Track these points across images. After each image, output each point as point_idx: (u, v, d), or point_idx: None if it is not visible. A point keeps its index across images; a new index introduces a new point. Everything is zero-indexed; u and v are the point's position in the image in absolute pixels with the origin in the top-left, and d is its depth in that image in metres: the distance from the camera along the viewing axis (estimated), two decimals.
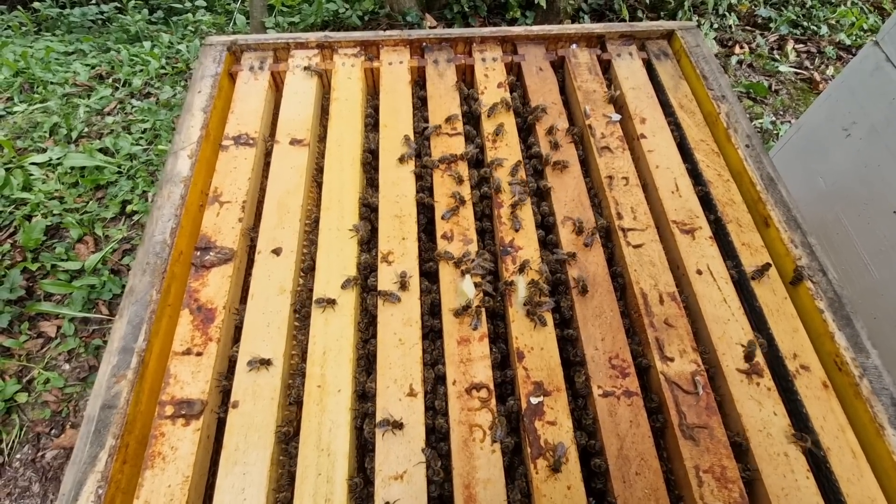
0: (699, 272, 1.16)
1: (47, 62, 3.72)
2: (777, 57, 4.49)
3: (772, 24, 4.80)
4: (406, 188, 1.28)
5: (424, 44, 1.55)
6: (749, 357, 1.02)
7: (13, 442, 2.20)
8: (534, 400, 0.99)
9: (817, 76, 4.12)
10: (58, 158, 2.98)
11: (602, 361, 1.04)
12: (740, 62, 4.38)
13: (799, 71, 4.27)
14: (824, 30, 4.67)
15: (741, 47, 4.51)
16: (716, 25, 4.64)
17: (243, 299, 1.17)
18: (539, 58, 1.55)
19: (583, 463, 0.94)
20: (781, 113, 3.83)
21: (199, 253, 1.15)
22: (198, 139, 1.32)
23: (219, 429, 1.02)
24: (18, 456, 2.28)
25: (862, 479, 0.93)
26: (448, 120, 1.39)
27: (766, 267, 1.14)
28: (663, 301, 1.11)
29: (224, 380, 1.05)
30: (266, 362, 1.01)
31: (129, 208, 2.86)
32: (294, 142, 1.35)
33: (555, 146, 1.34)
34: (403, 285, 1.11)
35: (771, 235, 1.22)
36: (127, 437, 0.94)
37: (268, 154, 1.39)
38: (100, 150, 3.07)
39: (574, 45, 1.57)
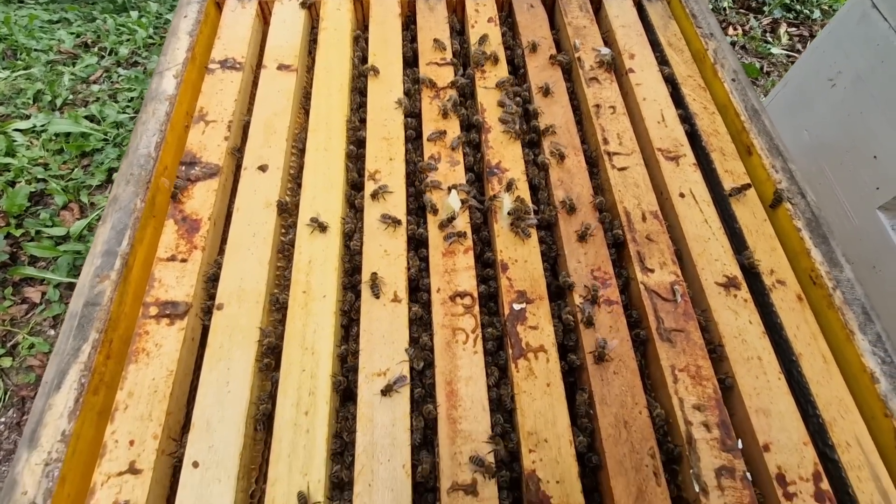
0: (682, 195, 1.18)
1: (31, 29, 3.60)
2: (770, 40, 4.51)
3: (765, 7, 4.82)
4: (393, 113, 1.28)
5: None
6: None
7: None
8: (516, 306, 1.01)
9: None
10: (42, 125, 2.92)
11: (584, 273, 1.06)
12: (733, 44, 4.39)
13: (791, 53, 4.29)
14: (817, 14, 4.70)
15: (734, 29, 4.52)
16: (710, 7, 4.65)
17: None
18: None
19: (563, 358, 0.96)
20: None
21: (184, 168, 1.15)
22: (183, 61, 1.30)
23: (201, 346, 1.01)
24: (3, 419, 2.26)
25: (831, 381, 0.96)
26: (436, 50, 1.39)
27: (746, 186, 1.16)
28: (646, 219, 1.13)
29: (210, 289, 1.05)
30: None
31: (114, 176, 2.84)
32: (282, 67, 1.34)
33: (545, 89, 1.34)
34: (379, 194, 1.12)
35: (753, 163, 1.24)
36: (111, 334, 0.94)
37: (254, 84, 1.38)
38: (85, 118, 3.00)
39: None
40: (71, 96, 3.18)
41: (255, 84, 1.37)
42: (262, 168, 1.16)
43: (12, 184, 2.64)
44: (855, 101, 1.68)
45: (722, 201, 1.19)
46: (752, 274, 1.08)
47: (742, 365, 0.96)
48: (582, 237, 1.08)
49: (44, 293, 2.43)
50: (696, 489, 0.84)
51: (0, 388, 2.21)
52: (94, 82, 3.31)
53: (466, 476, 0.84)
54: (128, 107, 3.19)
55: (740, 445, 0.89)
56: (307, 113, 1.31)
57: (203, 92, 1.28)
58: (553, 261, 1.13)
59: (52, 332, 2.44)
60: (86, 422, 0.86)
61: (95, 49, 3.56)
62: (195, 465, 0.83)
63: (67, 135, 2.89)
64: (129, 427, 0.86)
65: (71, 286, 2.48)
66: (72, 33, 3.64)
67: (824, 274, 1.05)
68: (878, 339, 0.98)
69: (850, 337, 0.98)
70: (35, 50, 3.47)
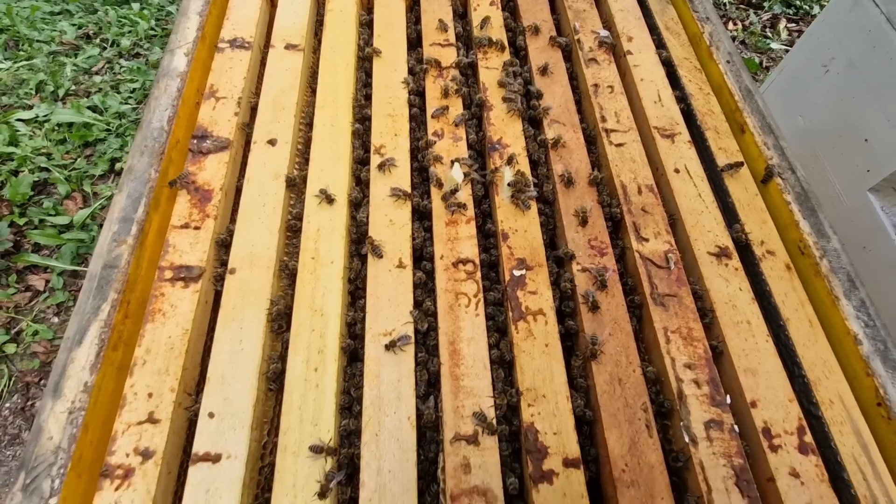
0: (676, 171, 1.22)
1: (32, 20, 3.61)
2: (769, 35, 4.54)
3: (765, 3, 4.85)
4: (398, 91, 1.32)
5: None
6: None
7: (2, 391, 2.22)
8: (517, 273, 1.05)
9: None
10: (44, 115, 2.93)
11: (582, 243, 1.10)
12: (733, 38, 4.43)
13: (790, 49, 4.34)
14: (816, 10, 4.73)
15: (734, 24, 4.56)
16: (711, 2, 4.69)
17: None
18: None
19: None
20: None
21: (195, 141, 1.19)
22: (193, 40, 1.34)
23: (213, 311, 1.04)
24: (8, 405, 2.29)
25: (817, 343, 1.01)
26: (439, 31, 1.43)
27: (739, 164, 1.21)
28: (641, 192, 1.17)
29: (222, 255, 1.09)
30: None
31: (118, 166, 2.82)
32: (289, 46, 1.38)
33: (544, 69, 1.38)
34: (385, 166, 1.16)
35: (746, 140, 1.28)
36: (128, 295, 0.98)
37: (262, 63, 1.41)
38: (88, 108, 3.01)
39: None
40: (73, 87, 3.19)
41: (263, 63, 1.41)
42: (272, 142, 1.20)
43: (15, 173, 2.66)
44: (847, 86, 1.72)
45: (715, 177, 1.23)
46: (743, 245, 1.13)
47: (732, 328, 1.01)
48: (583, 221, 1.12)
49: (47, 281, 2.45)
50: (686, 440, 0.88)
51: (5, 374, 2.25)
52: (97, 73, 3.32)
53: (468, 428, 0.89)
54: (130, 98, 3.20)
55: (728, 401, 0.93)
56: (314, 91, 1.35)
57: (213, 69, 1.31)
58: (552, 232, 1.17)
59: (55, 320, 2.45)
60: (106, 375, 0.91)
61: (97, 40, 3.56)
62: (211, 415, 0.88)
63: (70, 125, 2.91)
64: (147, 381, 0.90)
65: (75, 274, 2.49)
66: (73, 24, 3.64)
67: (812, 244, 1.10)
68: (861, 305, 1.03)
69: (835, 302, 1.03)
70: (37, 41, 3.47)
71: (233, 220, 1.14)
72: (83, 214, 2.58)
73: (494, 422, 0.89)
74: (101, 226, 2.61)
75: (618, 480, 0.85)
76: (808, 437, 0.90)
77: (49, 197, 2.65)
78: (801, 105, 1.92)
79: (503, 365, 0.98)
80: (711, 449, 0.88)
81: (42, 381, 2.30)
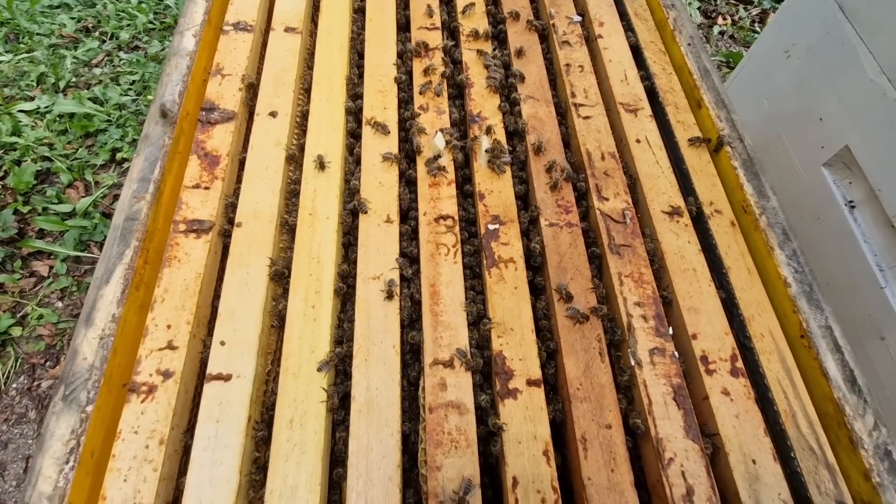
0: (638, 141, 1.36)
1: (32, 14, 3.68)
2: (758, 29, 4.67)
3: None
4: (387, 70, 1.45)
5: None
6: None
7: (9, 372, 2.29)
8: (491, 227, 1.19)
9: None
10: (46, 107, 3.00)
11: (550, 203, 1.24)
12: (722, 33, 4.55)
13: None
14: None
15: (724, 19, 4.69)
16: None
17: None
18: None
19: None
20: None
21: (204, 112, 1.32)
22: (201, 22, 1.47)
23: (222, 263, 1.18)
24: (14, 385, 2.38)
25: (753, 287, 1.15)
26: (426, 16, 1.56)
27: (705, 140, 1.34)
28: (604, 158, 1.31)
29: (229, 213, 1.22)
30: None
31: (119, 156, 2.90)
32: (288, 29, 1.51)
33: (520, 51, 1.51)
34: (384, 129, 1.30)
35: (702, 114, 1.42)
36: (147, 244, 1.12)
37: (263, 45, 1.54)
38: (89, 100, 3.08)
39: None
40: (74, 79, 3.25)
41: (264, 45, 1.54)
42: (273, 114, 1.33)
43: (18, 162, 2.73)
44: (806, 70, 1.86)
45: (673, 147, 1.37)
46: (695, 217, 1.27)
47: (679, 275, 1.15)
48: (553, 186, 1.25)
49: (51, 267, 2.51)
50: (633, 363, 1.02)
51: (11, 356, 2.33)
52: (96, 65, 3.38)
53: (445, 355, 1.03)
54: (130, 89, 3.26)
55: (671, 332, 1.08)
56: (311, 70, 1.48)
57: (219, 50, 1.44)
58: (525, 194, 1.31)
59: (59, 304, 2.51)
60: (130, 311, 1.04)
61: (96, 34, 3.62)
62: (222, 343, 1.01)
63: (72, 115, 2.98)
64: (166, 315, 1.03)
65: (78, 260, 2.57)
66: (73, 18, 3.69)
67: (753, 203, 1.24)
68: (793, 254, 1.17)
69: (770, 252, 1.17)
70: (37, 34, 3.52)
71: (238, 179, 1.27)
72: (85, 202, 2.66)
73: (470, 357, 1.02)
74: (103, 213, 2.70)
75: (573, 397, 0.99)
76: (740, 364, 1.04)
77: (52, 186, 2.72)
78: (767, 89, 2.06)
79: (476, 303, 1.11)
80: (654, 371, 1.02)
81: (47, 363, 2.38)
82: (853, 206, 1.69)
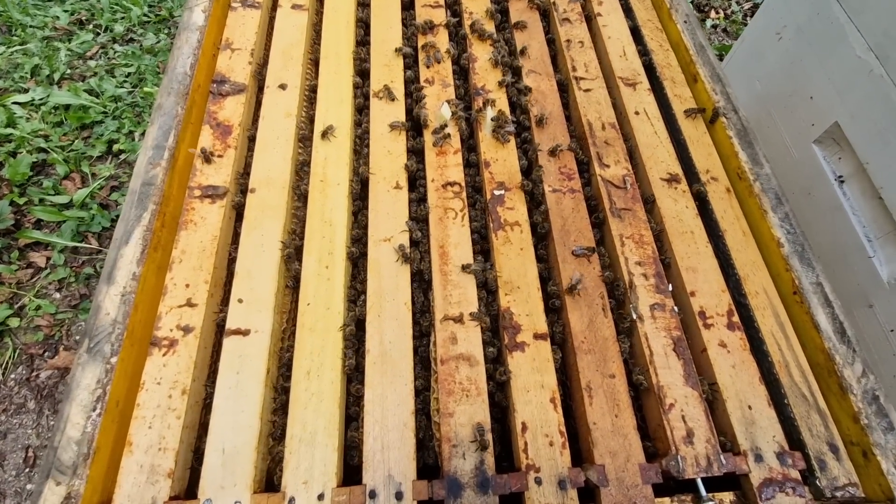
0: (637, 113, 1.40)
1: (24, 6, 3.62)
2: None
3: None
4: (393, 45, 1.48)
5: None
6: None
7: (7, 363, 2.28)
8: (497, 192, 1.23)
9: None
10: (41, 98, 2.97)
11: (553, 170, 1.28)
12: (715, 26, 4.61)
13: None
14: None
15: (717, 13, 4.75)
16: None
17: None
18: None
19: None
20: None
21: (215, 85, 1.35)
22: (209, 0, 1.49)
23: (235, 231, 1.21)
24: (13, 376, 2.36)
25: (748, 248, 1.20)
26: None
27: (700, 110, 1.39)
28: (605, 128, 1.35)
29: (241, 180, 1.25)
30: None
31: (115, 147, 2.87)
32: (295, 6, 1.54)
33: (522, 25, 1.55)
34: (391, 95, 1.33)
35: (698, 88, 1.47)
36: (163, 208, 1.15)
37: (271, 22, 1.57)
38: (84, 92, 3.05)
39: None
40: (68, 71, 3.21)
41: (271, 22, 1.56)
42: (282, 87, 1.37)
43: (14, 154, 2.69)
44: (796, 50, 1.92)
45: (671, 119, 1.42)
46: (691, 174, 1.32)
47: (678, 237, 1.20)
48: (552, 152, 1.30)
49: (48, 258, 2.49)
50: (634, 317, 1.07)
51: (9, 346, 2.31)
52: (91, 58, 3.34)
53: (455, 311, 1.07)
54: (125, 81, 3.22)
55: (671, 289, 1.12)
56: (318, 45, 1.51)
57: (228, 25, 1.47)
58: (528, 166, 1.35)
59: (57, 295, 2.48)
60: (149, 271, 1.07)
61: (90, 26, 3.56)
62: (240, 301, 1.05)
63: (67, 107, 2.95)
64: (184, 275, 1.07)
65: (76, 251, 2.54)
66: (66, 10, 3.63)
67: (748, 170, 1.29)
68: (786, 217, 1.22)
69: (763, 216, 1.22)
70: (30, 26, 3.45)
71: (250, 149, 1.30)
72: (82, 194, 2.63)
73: (486, 318, 1.06)
74: (101, 205, 2.67)
75: (577, 349, 1.04)
76: (736, 318, 1.09)
77: (48, 177, 2.69)
78: (759, 70, 2.12)
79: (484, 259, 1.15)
80: (655, 325, 1.06)
81: (46, 353, 2.38)
82: (842, 181, 1.75)
